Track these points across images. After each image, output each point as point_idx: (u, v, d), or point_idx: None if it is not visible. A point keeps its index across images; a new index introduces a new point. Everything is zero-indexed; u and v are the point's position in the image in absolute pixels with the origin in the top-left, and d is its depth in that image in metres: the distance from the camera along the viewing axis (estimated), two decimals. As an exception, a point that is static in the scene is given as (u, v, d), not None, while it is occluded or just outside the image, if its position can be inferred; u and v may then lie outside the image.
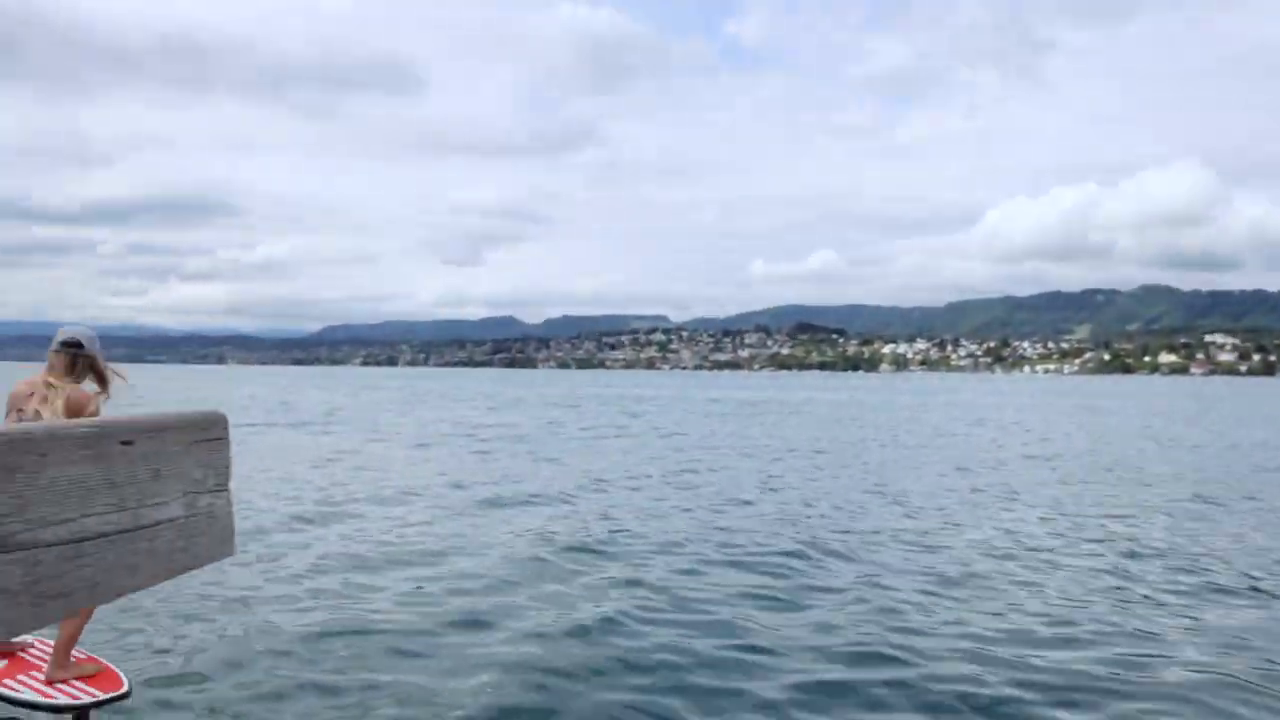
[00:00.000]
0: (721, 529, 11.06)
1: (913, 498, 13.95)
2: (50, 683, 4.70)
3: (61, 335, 5.07)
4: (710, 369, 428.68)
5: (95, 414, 4.77)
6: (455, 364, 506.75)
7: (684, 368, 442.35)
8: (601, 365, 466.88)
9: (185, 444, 1.29)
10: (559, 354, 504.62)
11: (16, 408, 4.96)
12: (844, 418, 37.93)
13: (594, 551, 9.68)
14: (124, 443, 1.18)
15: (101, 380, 5.11)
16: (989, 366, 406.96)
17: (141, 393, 64.56)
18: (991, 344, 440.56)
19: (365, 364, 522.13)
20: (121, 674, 4.87)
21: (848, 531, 10.95)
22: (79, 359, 5.02)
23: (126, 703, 4.76)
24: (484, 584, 8.23)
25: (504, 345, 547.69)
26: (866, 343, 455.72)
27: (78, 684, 4.69)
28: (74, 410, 4.83)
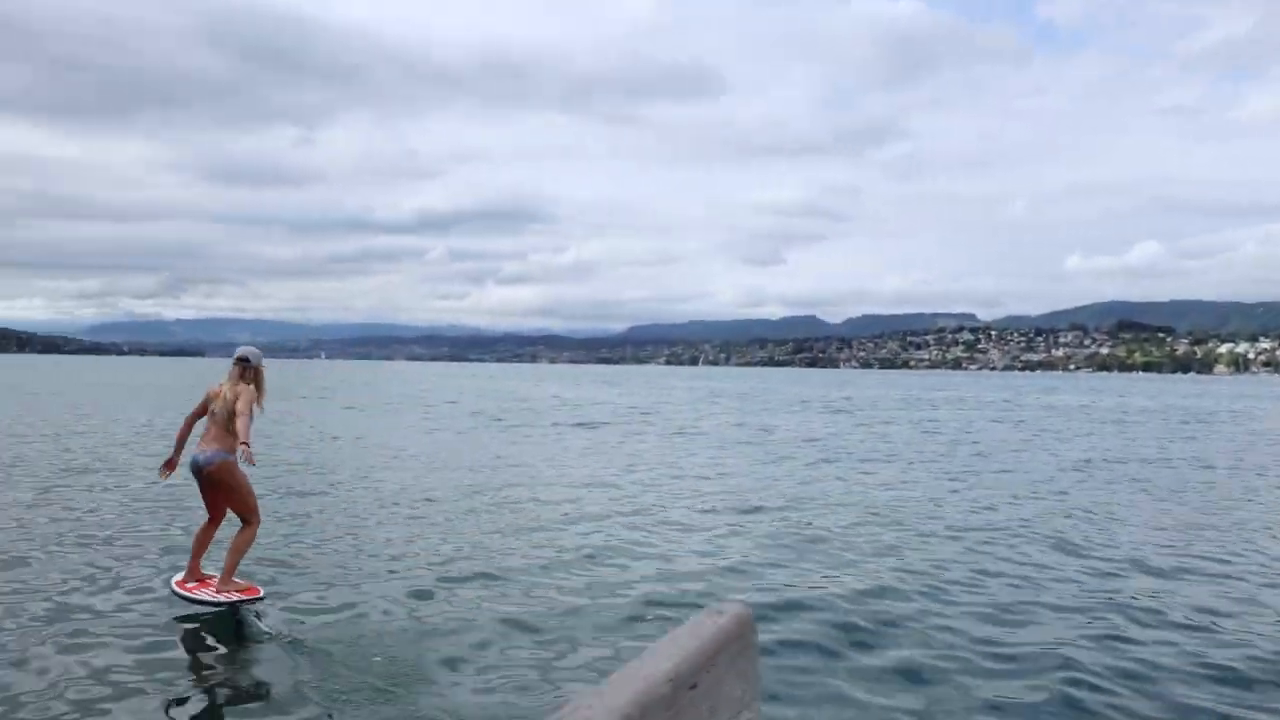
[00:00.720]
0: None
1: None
2: (219, 591, 7.49)
3: (239, 353, 7.76)
4: (1021, 369, 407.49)
5: (247, 407, 7.43)
6: (755, 363, 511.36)
7: (993, 368, 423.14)
8: (905, 365, 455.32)
9: (728, 661, 1.17)
10: (861, 354, 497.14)
11: (207, 401, 7.69)
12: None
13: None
14: (691, 687, 1.09)
15: (259, 386, 7.70)
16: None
17: (462, 386, 70.17)
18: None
19: (669, 363, 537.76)
20: (260, 589, 7.66)
21: None
22: (247, 369, 7.67)
23: (261, 604, 7.54)
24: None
25: (805, 345, 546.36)
26: (1198, 341, 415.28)
27: (233, 594, 7.47)
28: (246, 399, 7.45)
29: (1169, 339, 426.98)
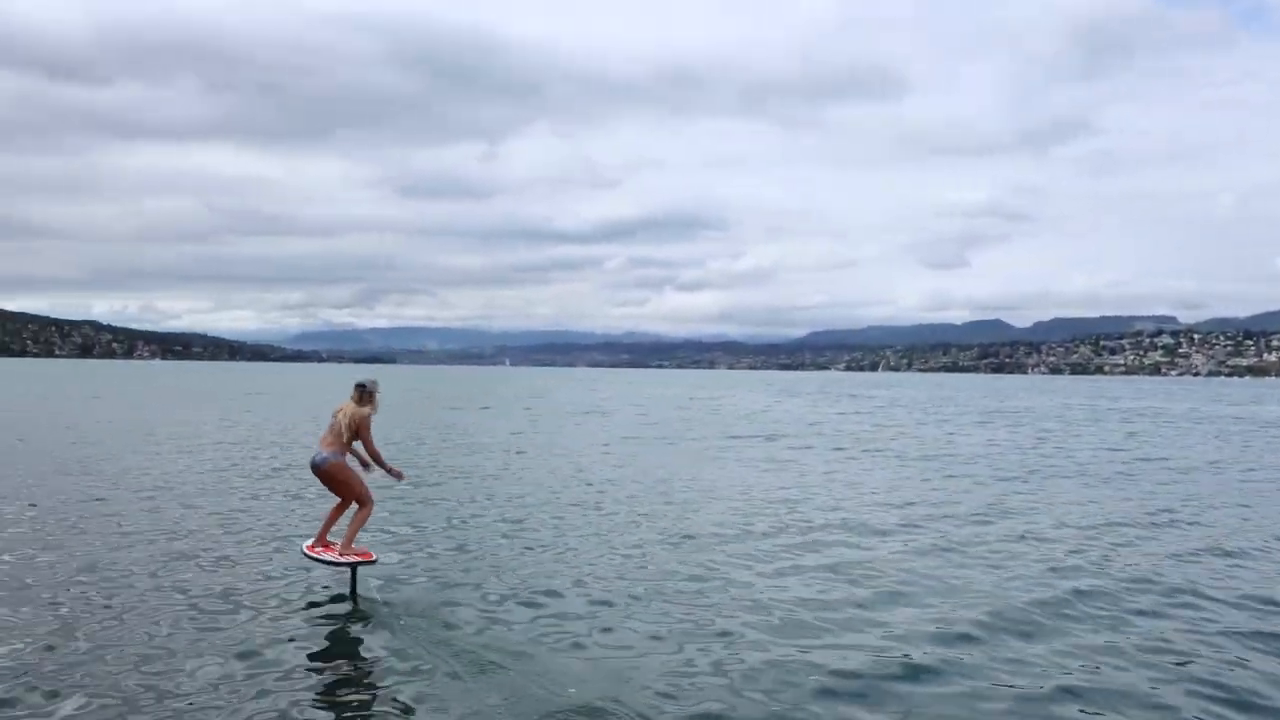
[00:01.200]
0: None
1: None
2: (340, 555, 9.89)
3: (357, 380, 10.07)
4: (1228, 375, 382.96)
5: (366, 420, 9.83)
6: (939, 369, 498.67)
7: (1195, 374, 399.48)
8: (1099, 371, 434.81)
9: None
10: (1050, 359, 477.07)
11: (334, 416, 10.02)
12: None
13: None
14: None
15: (372, 404, 9.96)
16: None
17: (646, 394, 72.42)
18: None
19: (849, 368, 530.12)
20: (374, 555, 10.04)
21: None
22: (364, 393, 9.95)
23: (374, 567, 10.12)
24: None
25: (990, 349, 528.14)
26: None
27: (351, 556, 9.87)
28: (355, 417, 9.82)
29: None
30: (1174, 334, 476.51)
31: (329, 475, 9.95)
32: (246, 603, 9.62)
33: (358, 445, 10.02)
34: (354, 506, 10.10)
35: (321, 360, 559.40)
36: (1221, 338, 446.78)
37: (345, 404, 10.06)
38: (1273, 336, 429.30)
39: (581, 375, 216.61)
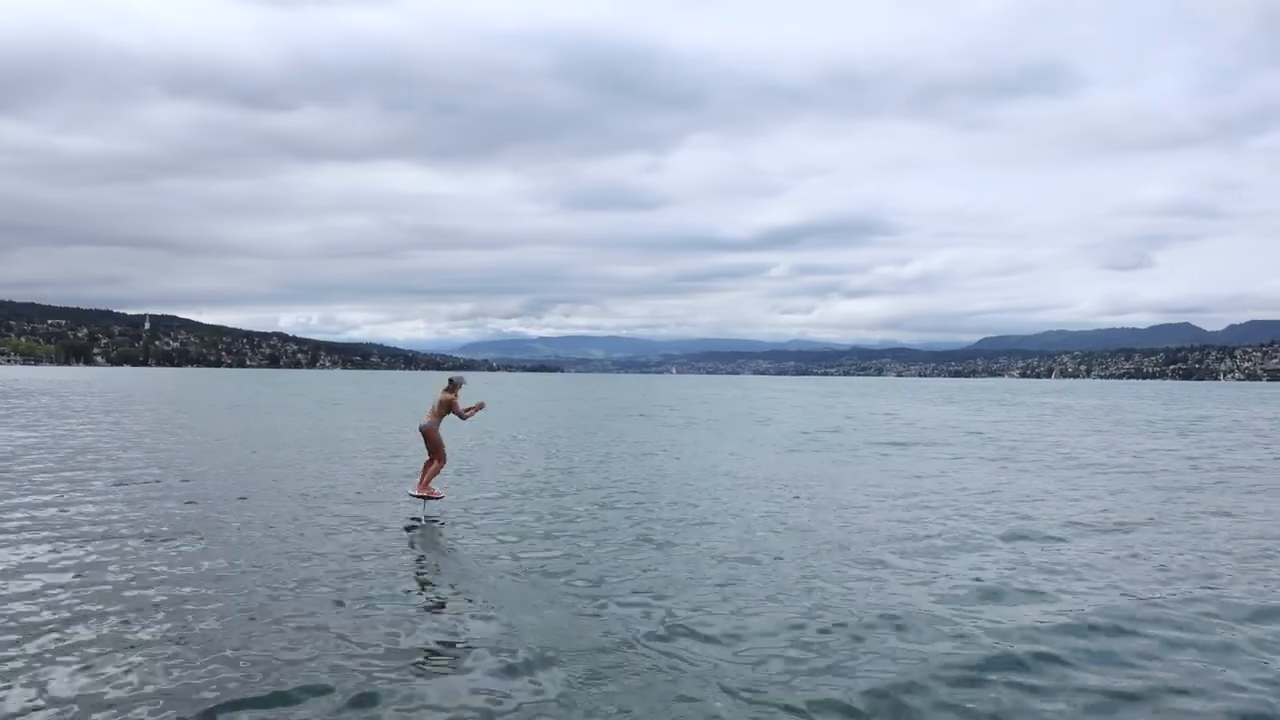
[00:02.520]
0: None
1: None
2: (428, 495, 15.22)
3: (450, 376, 15.44)
4: None
5: (452, 400, 15.10)
6: (1120, 375, 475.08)
7: None
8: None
9: None
10: (1246, 364, 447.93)
11: (433, 404, 15.22)
12: None
13: None
14: None
15: (456, 392, 15.28)
16: None
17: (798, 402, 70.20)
18: None
19: (1023, 375, 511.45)
20: (442, 494, 15.66)
21: None
22: (452, 384, 15.32)
23: (440, 502, 15.52)
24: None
25: (1178, 354, 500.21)
26: None
27: (433, 494, 15.30)
28: (443, 400, 15.08)
29: None
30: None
31: (427, 437, 15.21)
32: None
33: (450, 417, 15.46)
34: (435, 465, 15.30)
35: (492, 369, 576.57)
36: None
37: (440, 392, 15.28)
38: None
39: (753, 383, 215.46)
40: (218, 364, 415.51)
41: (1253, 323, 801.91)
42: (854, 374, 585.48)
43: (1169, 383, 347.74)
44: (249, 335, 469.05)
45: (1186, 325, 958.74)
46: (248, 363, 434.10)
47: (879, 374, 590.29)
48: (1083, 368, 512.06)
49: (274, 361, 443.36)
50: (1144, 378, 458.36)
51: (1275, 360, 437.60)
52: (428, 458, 15.29)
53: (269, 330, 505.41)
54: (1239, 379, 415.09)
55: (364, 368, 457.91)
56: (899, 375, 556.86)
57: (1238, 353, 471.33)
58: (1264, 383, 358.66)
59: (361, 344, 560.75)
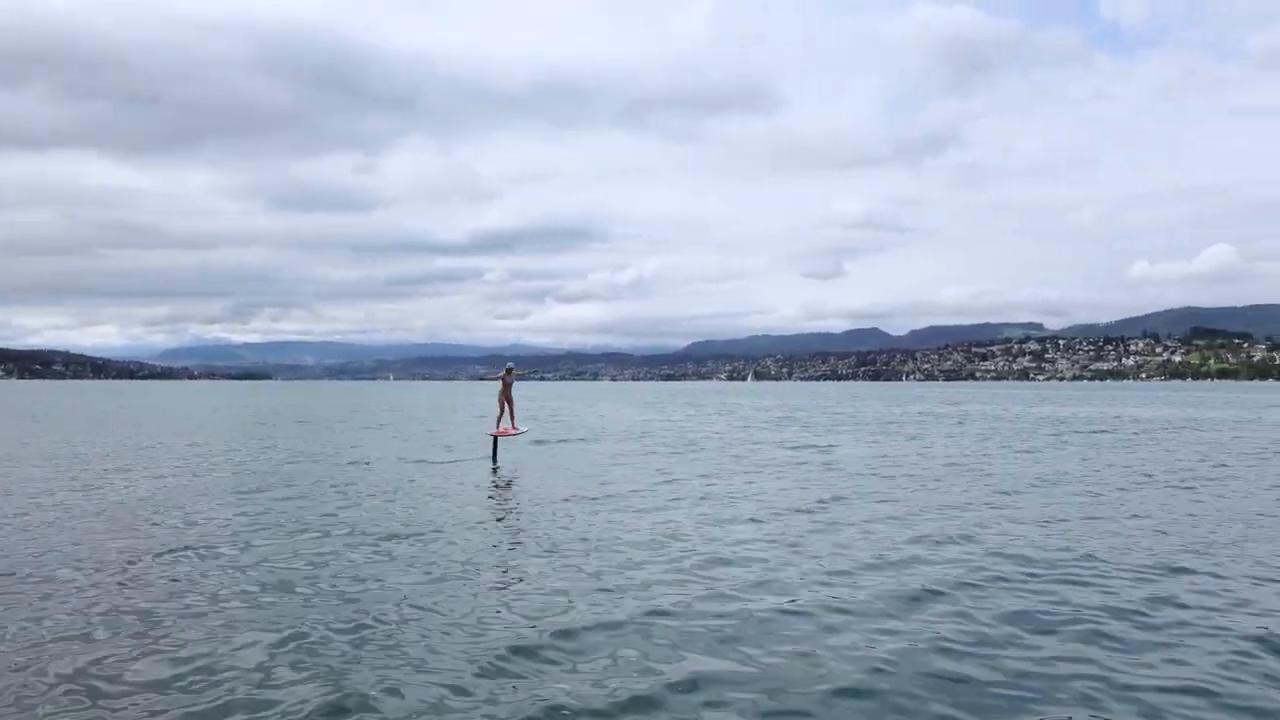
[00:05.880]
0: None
1: None
2: (503, 433, 28.02)
3: (509, 365, 28.97)
4: (1090, 379, 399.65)
5: (506, 383, 28.10)
6: (819, 377, 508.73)
7: (1061, 378, 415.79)
8: (971, 377, 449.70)
9: None
10: (925, 366, 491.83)
11: (503, 378, 28.49)
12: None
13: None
14: None
15: (508, 375, 28.36)
16: None
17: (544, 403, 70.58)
18: None
19: (730, 378, 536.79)
20: (519, 430, 28.95)
21: None
22: (510, 370, 28.70)
23: (522, 436, 30.00)
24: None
25: (868, 357, 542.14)
26: (1277, 347, 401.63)
27: (509, 432, 28.13)
28: (506, 381, 28.20)
29: (1246, 345, 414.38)
30: (1041, 340, 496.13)
31: (503, 394, 27.63)
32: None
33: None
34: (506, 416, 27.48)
35: (193, 377, 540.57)
36: (1084, 343, 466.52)
37: (503, 376, 27.90)
38: (1130, 342, 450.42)
39: (468, 388, 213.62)
40: None
41: (930, 328, 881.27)
42: (569, 378, 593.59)
43: (861, 383, 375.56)
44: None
45: (875, 330, 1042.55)
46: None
47: (594, 378, 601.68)
48: (785, 370, 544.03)
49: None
50: (839, 379, 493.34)
51: (949, 363, 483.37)
52: (501, 410, 27.45)
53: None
54: (919, 379, 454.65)
55: (44, 377, 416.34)
56: (613, 379, 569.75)
57: (918, 355, 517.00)
58: (940, 382, 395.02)
59: (42, 351, 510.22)
